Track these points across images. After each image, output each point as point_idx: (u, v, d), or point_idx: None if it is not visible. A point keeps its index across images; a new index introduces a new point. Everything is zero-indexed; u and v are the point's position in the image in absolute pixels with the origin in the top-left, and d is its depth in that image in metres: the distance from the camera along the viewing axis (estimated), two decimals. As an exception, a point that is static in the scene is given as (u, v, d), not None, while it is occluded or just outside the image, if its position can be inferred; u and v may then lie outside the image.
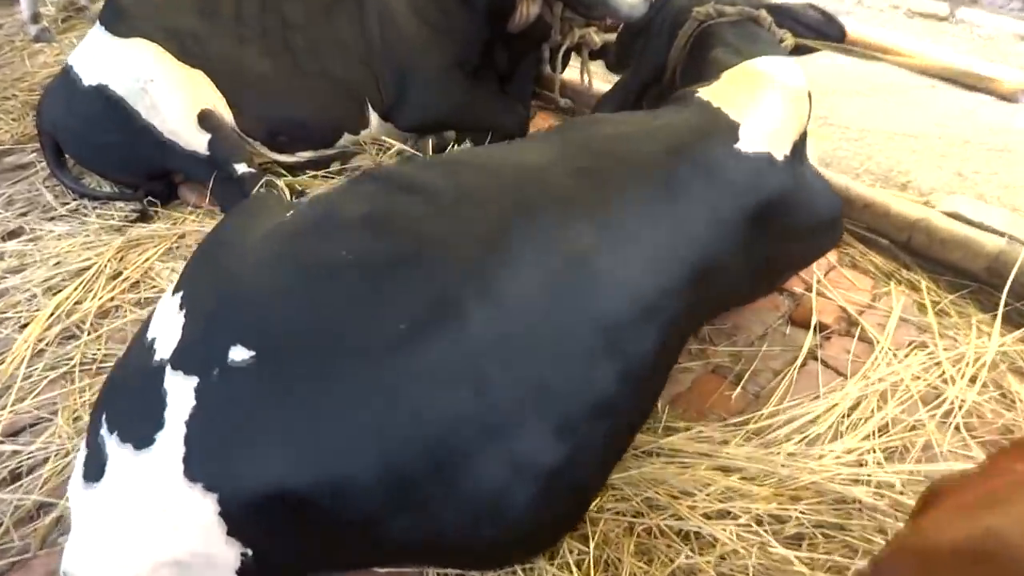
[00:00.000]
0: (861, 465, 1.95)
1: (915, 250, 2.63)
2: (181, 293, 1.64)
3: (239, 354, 1.44)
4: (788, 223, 1.84)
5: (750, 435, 2.06)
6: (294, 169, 3.29)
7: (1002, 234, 2.55)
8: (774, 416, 2.10)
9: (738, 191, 1.69)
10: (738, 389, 2.22)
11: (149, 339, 1.60)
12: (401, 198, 1.66)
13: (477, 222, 1.59)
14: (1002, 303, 2.26)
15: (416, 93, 3.31)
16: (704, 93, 1.84)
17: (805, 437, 2.04)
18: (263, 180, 2.97)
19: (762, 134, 1.74)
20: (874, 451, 1.98)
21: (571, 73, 3.60)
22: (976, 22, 5.86)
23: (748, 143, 1.71)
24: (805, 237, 1.97)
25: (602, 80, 3.56)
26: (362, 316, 1.47)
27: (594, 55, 3.30)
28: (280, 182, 2.99)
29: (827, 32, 2.34)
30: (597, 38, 3.20)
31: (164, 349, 1.53)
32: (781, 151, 1.77)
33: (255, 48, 3.17)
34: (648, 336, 1.64)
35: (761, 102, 1.76)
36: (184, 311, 1.58)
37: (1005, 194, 3.19)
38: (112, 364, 2.32)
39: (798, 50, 2.36)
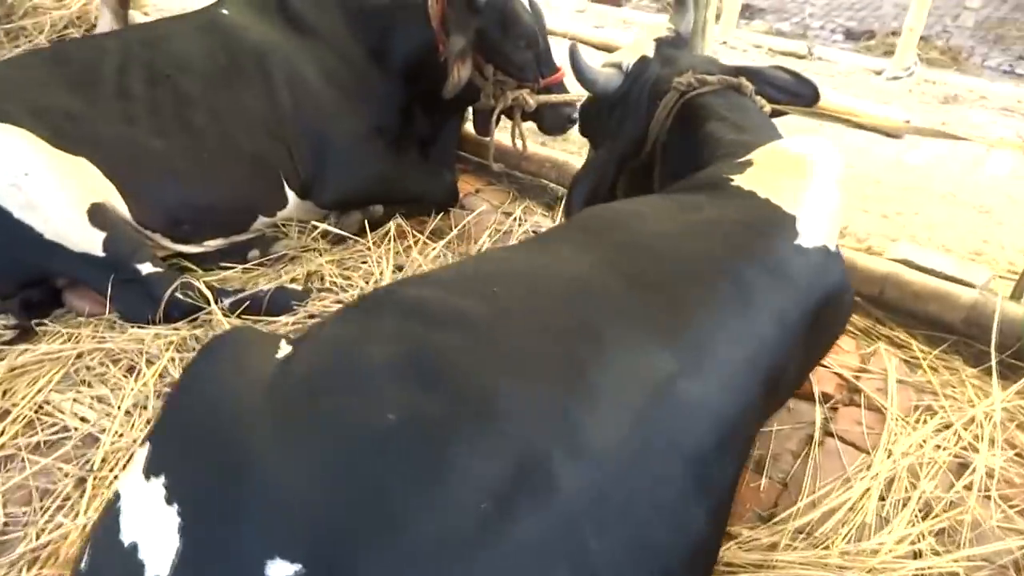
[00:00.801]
0: (918, 556, 1.84)
1: (887, 304, 2.62)
2: (163, 478, 1.26)
3: (281, 571, 1.10)
4: (836, 312, 1.72)
5: (796, 534, 1.91)
6: (204, 262, 2.86)
7: (963, 281, 2.58)
8: (813, 509, 1.97)
9: (802, 289, 1.54)
10: (764, 479, 2.07)
11: (126, 544, 1.22)
12: (436, 334, 1.37)
13: (539, 357, 1.33)
14: (993, 360, 2.26)
15: (336, 165, 2.99)
16: (741, 180, 1.69)
17: (852, 528, 1.91)
18: (178, 281, 2.54)
19: (819, 226, 1.60)
20: (924, 536, 1.89)
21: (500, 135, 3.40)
22: (832, 59, 6.24)
23: (808, 237, 1.57)
24: (844, 321, 1.86)
25: (534, 142, 3.38)
26: (432, 498, 1.17)
27: (527, 117, 3.12)
28: (198, 282, 2.56)
29: (801, 93, 2.27)
30: (531, 100, 3.02)
31: (156, 563, 1.16)
32: (834, 240, 1.65)
33: (146, 127, 2.73)
34: (730, 463, 1.45)
35: (812, 191, 1.63)
36: (177, 506, 1.22)
37: (933, 233, 3.29)
38: (12, 535, 1.86)
39: (772, 115, 2.27)
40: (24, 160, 2.43)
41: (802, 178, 1.65)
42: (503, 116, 3.18)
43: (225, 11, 3.07)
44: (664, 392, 1.35)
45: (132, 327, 2.56)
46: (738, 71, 2.28)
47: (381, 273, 2.67)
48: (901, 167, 4.00)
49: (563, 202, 2.36)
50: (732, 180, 1.71)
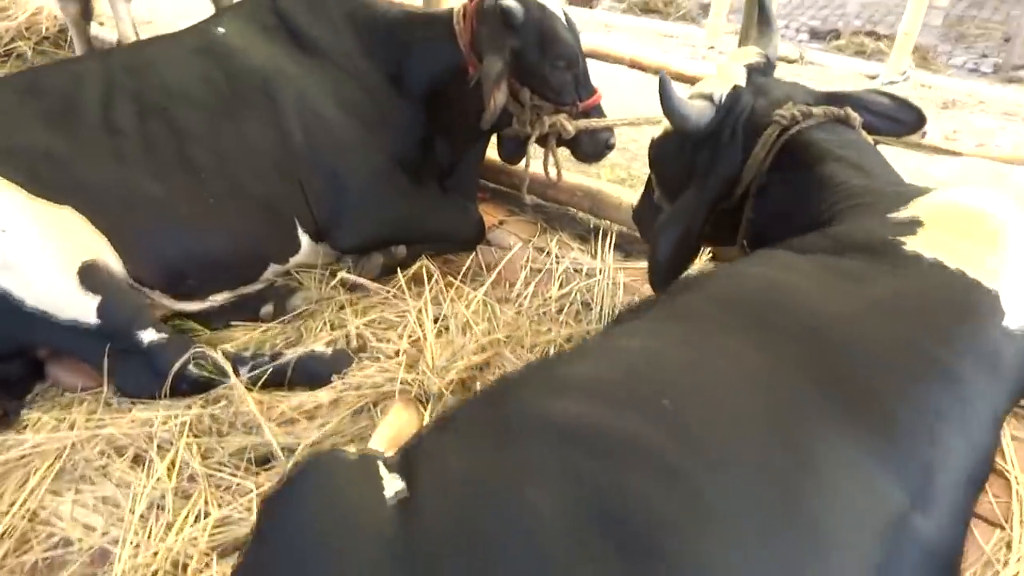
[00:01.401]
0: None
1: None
2: None
3: None
4: None
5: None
6: (210, 320, 2.49)
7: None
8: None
9: (1011, 381, 1.29)
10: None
11: None
12: (613, 474, 1.07)
13: (752, 503, 1.04)
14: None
15: (354, 204, 2.65)
16: (918, 245, 1.42)
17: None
18: (190, 352, 2.17)
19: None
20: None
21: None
22: (824, 63, 6.10)
23: (1014, 318, 1.31)
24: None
25: (571, 171, 3.09)
26: None
27: (561, 143, 2.81)
28: (214, 352, 2.19)
29: (904, 120, 2.03)
30: (570, 126, 2.72)
31: None
32: (1037, 314, 1.39)
33: (140, 167, 2.35)
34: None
35: (1011, 260, 1.37)
36: None
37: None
38: None
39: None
40: (1, 214, 2.04)
41: (994, 243, 1.39)
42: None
43: (222, 30, 2.69)
44: (900, 536, 1.08)
45: (134, 405, 2.19)
46: (832, 98, 2.03)
47: (422, 327, 2.33)
48: (927, 180, 3.83)
49: (650, 257, 2.07)
50: (904, 244, 1.45)
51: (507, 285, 2.71)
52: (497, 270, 2.70)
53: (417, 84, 2.79)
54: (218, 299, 2.50)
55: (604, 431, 1.12)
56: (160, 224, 2.34)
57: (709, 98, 1.97)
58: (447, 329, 2.41)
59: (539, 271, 2.80)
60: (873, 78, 5.75)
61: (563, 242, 2.97)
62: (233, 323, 2.49)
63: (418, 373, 2.18)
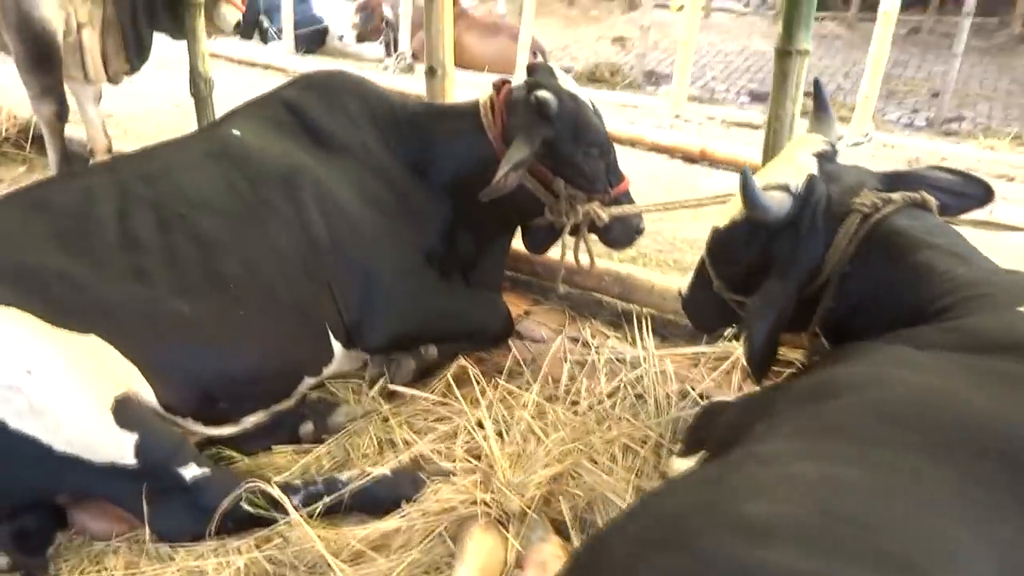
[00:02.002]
0: None
1: None
2: None
3: None
4: None
5: None
6: (245, 445, 2.29)
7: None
8: None
9: None
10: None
11: None
12: None
13: None
14: None
15: (385, 303, 2.51)
16: None
17: None
18: (242, 487, 1.97)
19: None
20: None
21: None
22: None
23: None
24: None
25: (604, 258, 3.01)
26: None
27: (593, 230, 2.74)
28: (270, 487, 1.99)
29: (973, 195, 2.02)
30: (604, 214, 2.65)
31: None
32: None
33: (165, 284, 2.17)
34: None
35: None
36: None
37: None
38: None
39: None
40: (23, 353, 1.84)
41: None
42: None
43: (236, 131, 2.56)
44: None
45: (176, 551, 1.96)
46: (898, 178, 2.01)
47: (486, 438, 2.18)
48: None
49: (745, 349, 1.97)
50: (1052, 341, 1.40)
51: (551, 381, 2.59)
52: (544, 368, 2.57)
53: (444, 177, 2.71)
54: (252, 420, 2.31)
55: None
56: (191, 344, 2.16)
57: (785, 188, 1.92)
58: (501, 436, 2.26)
59: (580, 364, 2.70)
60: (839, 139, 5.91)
61: (597, 330, 2.88)
62: (272, 447, 2.28)
63: (492, 491, 2.02)
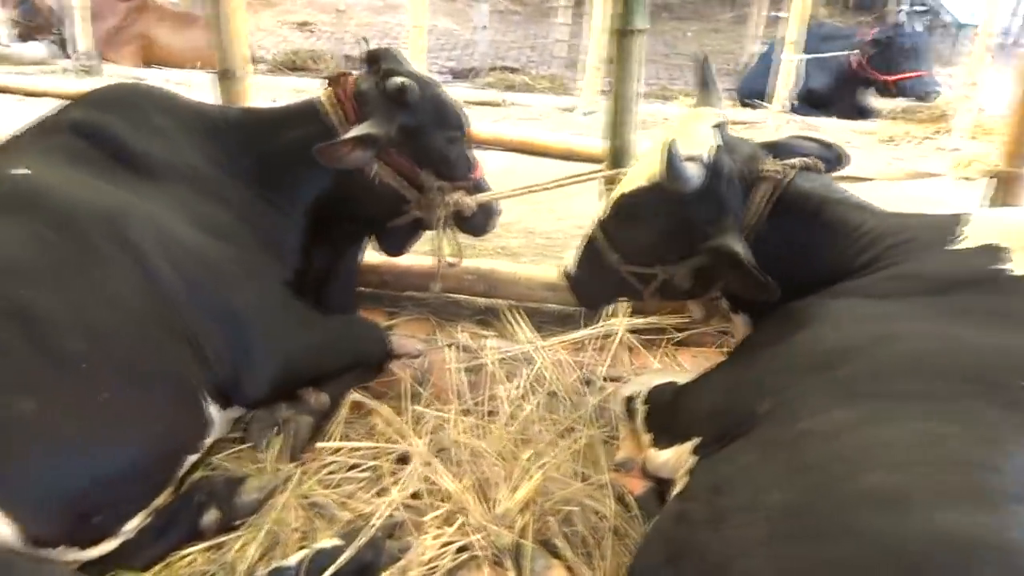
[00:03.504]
0: None
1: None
2: None
3: None
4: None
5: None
6: (130, 560, 1.81)
7: None
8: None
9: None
10: None
11: None
12: None
13: None
14: None
15: (259, 342, 2.13)
16: (1021, 268, 1.56)
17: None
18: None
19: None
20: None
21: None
22: (526, 103, 6.50)
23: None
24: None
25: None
26: None
27: (457, 220, 2.58)
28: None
29: (829, 159, 2.22)
30: (471, 202, 2.50)
31: None
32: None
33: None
34: None
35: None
36: None
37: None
38: None
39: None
40: None
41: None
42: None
43: (23, 171, 1.96)
44: None
45: None
46: (773, 147, 2.16)
47: (435, 474, 1.95)
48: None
49: (759, 296, 1.89)
50: (1011, 270, 1.58)
51: (454, 395, 2.41)
52: (434, 382, 2.38)
53: (294, 190, 2.36)
54: (133, 526, 1.83)
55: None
56: (49, 450, 1.64)
57: (698, 160, 1.95)
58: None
59: (472, 370, 2.55)
60: (570, 111, 6.27)
61: (475, 333, 2.74)
62: (174, 552, 1.83)
63: (469, 531, 1.83)
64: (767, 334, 1.92)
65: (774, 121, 5.93)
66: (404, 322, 2.84)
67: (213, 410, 2.03)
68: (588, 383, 2.49)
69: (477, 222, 2.62)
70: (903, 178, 2.38)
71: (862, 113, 6.55)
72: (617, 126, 2.70)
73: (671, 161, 1.84)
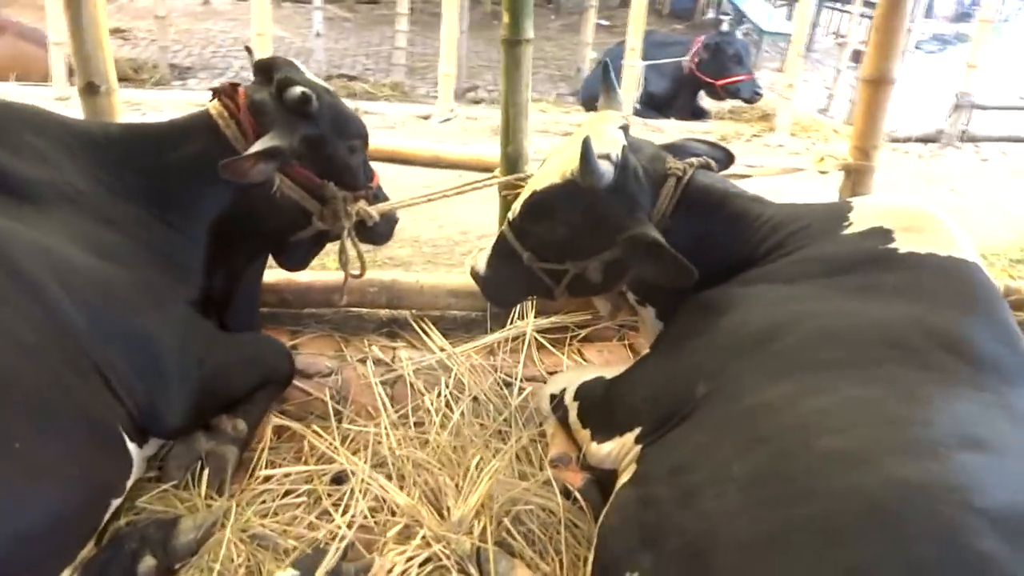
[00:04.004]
0: None
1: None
2: None
3: None
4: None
5: None
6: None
7: None
8: None
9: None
10: None
11: None
12: None
13: None
14: None
15: (171, 368, 2.01)
16: (907, 246, 1.76)
17: None
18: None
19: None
20: None
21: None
22: (381, 111, 6.44)
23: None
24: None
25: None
26: None
27: (361, 232, 2.54)
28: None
29: (719, 158, 2.40)
30: (374, 211, 2.47)
31: None
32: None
33: None
34: None
35: (959, 234, 1.81)
36: None
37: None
38: None
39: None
40: None
41: (943, 227, 1.83)
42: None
43: None
44: None
45: None
46: (671, 148, 2.31)
47: (380, 488, 1.93)
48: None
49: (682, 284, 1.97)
50: (898, 248, 1.80)
51: (380, 410, 2.37)
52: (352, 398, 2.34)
53: (192, 208, 2.23)
54: (61, 584, 1.67)
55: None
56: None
57: (607, 157, 2.05)
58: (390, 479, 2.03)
59: (388, 383, 2.53)
60: (426, 118, 6.29)
61: (384, 346, 2.71)
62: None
63: (431, 542, 1.82)
64: (688, 324, 2.05)
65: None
66: (309, 340, 2.75)
67: (132, 447, 1.89)
68: (507, 385, 2.54)
69: (380, 231, 2.60)
70: (777, 173, 2.64)
71: (697, 115, 7.07)
72: (512, 132, 2.76)
73: (587, 157, 1.93)
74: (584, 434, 2.10)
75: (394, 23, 12.80)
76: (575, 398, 2.21)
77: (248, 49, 2.55)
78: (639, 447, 1.86)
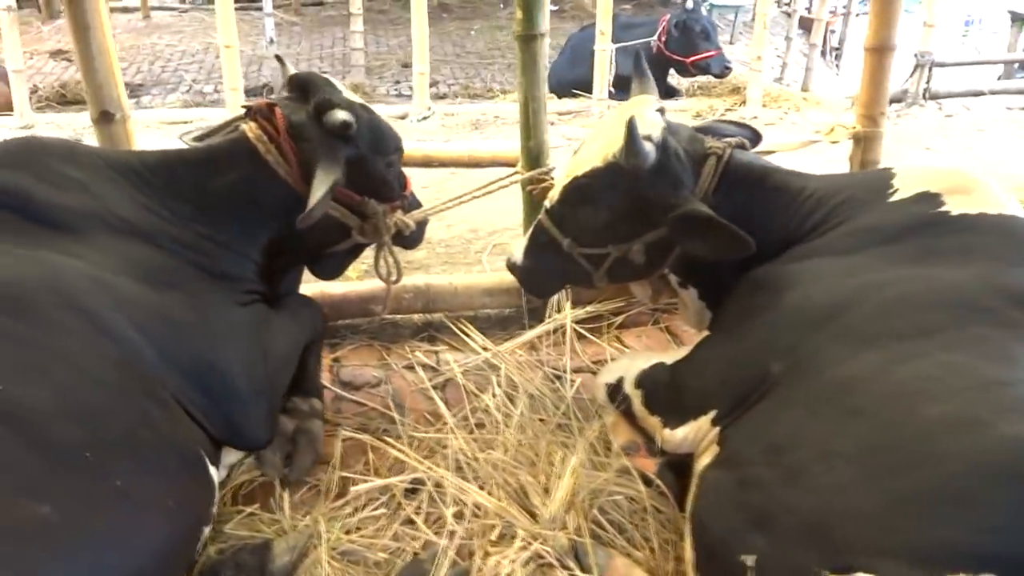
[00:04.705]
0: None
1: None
2: None
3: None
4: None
5: None
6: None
7: None
8: None
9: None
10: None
11: None
12: None
13: None
14: None
15: (245, 380, 2.01)
16: (958, 208, 1.82)
17: None
18: None
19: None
20: None
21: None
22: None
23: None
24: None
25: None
26: None
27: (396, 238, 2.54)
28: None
29: (750, 138, 2.45)
30: (410, 220, 2.48)
31: None
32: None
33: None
34: None
35: (1007, 195, 1.88)
36: None
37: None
38: None
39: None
40: None
41: (988, 187, 1.90)
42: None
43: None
44: None
45: None
46: (703, 129, 2.35)
47: (463, 491, 1.93)
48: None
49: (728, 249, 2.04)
50: (950, 211, 1.86)
51: (430, 417, 2.38)
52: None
53: (246, 234, 2.21)
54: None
55: None
56: (74, 553, 1.44)
57: (649, 139, 2.08)
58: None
59: (438, 388, 2.53)
60: (403, 118, 6.25)
61: (425, 350, 2.71)
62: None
63: (523, 542, 1.84)
64: (747, 303, 2.07)
65: (597, 108, 6.28)
66: (349, 352, 2.73)
67: (213, 472, 1.88)
68: (557, 379, 2.56)
69: (414, 236, 2.59)
70: (797, 147, 2.71)
71: (669, 93, 7.13)
72: (533, 128, 2.77)
73: (633, 137, 1.97)
74: (654, 421, 2.13)
75: (343, 24, 12.67)
76: (637, 386, 2.23)
77: (279, 59, 2.50)
78: (717, 429, 1.89)
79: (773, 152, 2.67)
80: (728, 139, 2.22)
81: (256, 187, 2.19)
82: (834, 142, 2.91)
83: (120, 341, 1.76)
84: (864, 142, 2.95)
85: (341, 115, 2.17)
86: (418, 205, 2.62)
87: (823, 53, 10.95)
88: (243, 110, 2.30)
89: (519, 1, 2.65)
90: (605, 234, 2.20)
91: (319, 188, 2.09)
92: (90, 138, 5.62)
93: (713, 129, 2.37)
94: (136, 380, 1.75)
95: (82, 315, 1.73)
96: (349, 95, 2.32)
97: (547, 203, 2.32)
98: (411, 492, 2.09)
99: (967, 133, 6.11)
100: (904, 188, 1.99)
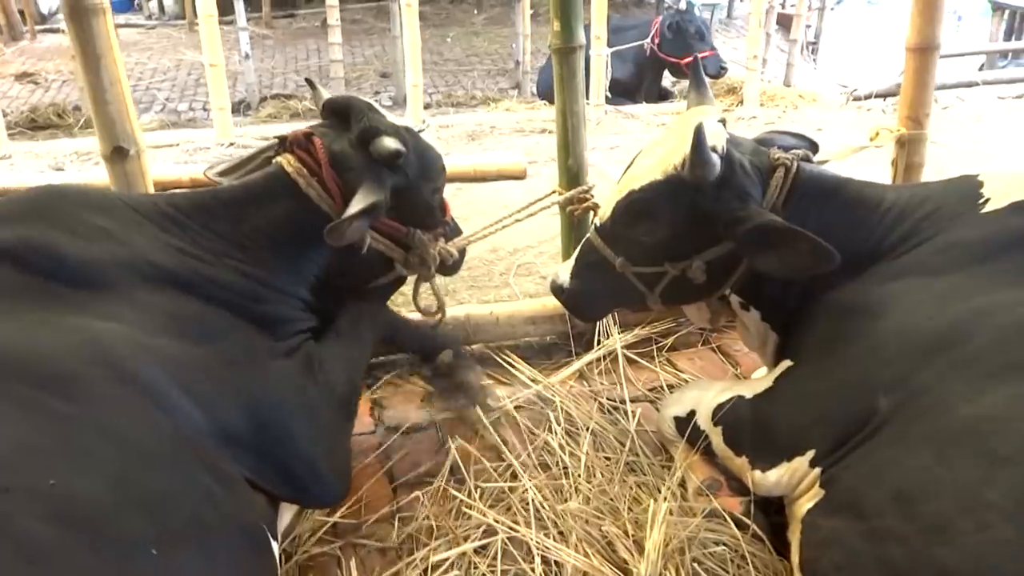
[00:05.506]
0: None
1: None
2: None
3: None
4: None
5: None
6: None
7: None
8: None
9: None
10: None
11: None
12: None
13: None
14: None
15: (304, 440, 1.84)
16: None
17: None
18: None
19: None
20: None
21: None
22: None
23: None
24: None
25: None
26: None
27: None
28: None
29: (807, 148, 2.33)
30: (453, 249, 2.33)
31: None
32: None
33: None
34: None
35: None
36: None
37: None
38: None
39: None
40: None
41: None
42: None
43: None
44: None
45: None
46: (761, 140, 2.22)
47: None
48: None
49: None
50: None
51: (488, 460, 2.22)
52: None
53: (292, 271, 2.04)
54: None
55: None
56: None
57: (714, 150, 1.94)
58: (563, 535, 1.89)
59: (490, 426, 2.37)
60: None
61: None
62: None
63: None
64: (836, 329, 1.91)
65: (594, 113, 6.16)
66: (389, 394, 2.56)
67: (274, 546, 1.71)
68: (615, 409, 2.42)
69: (456, 262, 2.45)
70: (849, 155, 2.59)
71: (663, 96, 7.04)
72: (572, 144, 2.63)
73: (700, 147, 1.84)
74: (740, 462, 1.98)
75: (316, 36, 12.46)
76: (716, 423, 2.08)
77: (310, 82, 2.34)
78: (816, 470, 1.76)
79: (825, 161, 2.55)
80: (796, 151, 2.09)
81: (298, 224, 2.02)
82: (878, 147, 2.80)
83: (172, 411, 1.59)
84: (908, 144, 2.85)
85: (391, 143, 2.02)
86: (459, 231, 2.47)
87: (800, 48, 10.97)
88: (276, 140, 2.13)
89: (557, 12, 2.50)
90: (662, 252, 2.06)
91: (359, 202, 1.93)
92: (72, 167, 5.44)
93: (772, 140, 2.24)
94: (194, 454, 1.57)
95: (129, 386, 1.55)
96: (392, 118, 2.16)
97: (597, 221, 2.18)
98: (481, 547, 1.93)
99: (966, 124, 6.07)
100: (996, 198, 1.87)
